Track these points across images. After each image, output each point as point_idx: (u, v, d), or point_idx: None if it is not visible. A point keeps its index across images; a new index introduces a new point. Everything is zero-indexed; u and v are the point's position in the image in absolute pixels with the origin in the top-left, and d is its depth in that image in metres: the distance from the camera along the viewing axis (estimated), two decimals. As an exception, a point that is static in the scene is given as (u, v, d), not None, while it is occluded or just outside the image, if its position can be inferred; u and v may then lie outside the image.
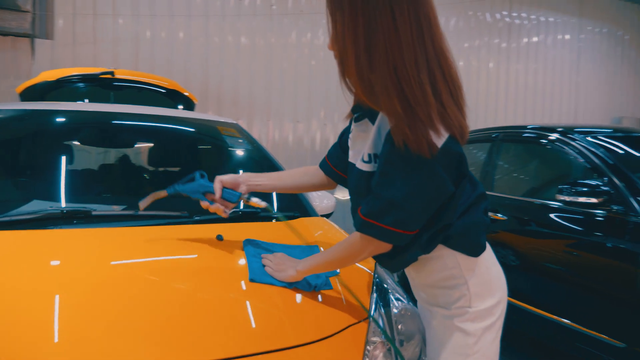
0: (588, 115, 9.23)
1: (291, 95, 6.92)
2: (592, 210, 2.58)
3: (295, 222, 1.70)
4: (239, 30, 6.56)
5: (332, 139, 7.20)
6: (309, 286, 1.24)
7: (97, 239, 1.38)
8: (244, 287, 1.21)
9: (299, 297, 1.22)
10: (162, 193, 1.41)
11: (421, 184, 1.06)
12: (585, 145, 2.89)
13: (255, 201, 1.45)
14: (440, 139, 1.03)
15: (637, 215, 2.41)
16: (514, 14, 8.45)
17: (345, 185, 1.44)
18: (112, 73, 3.51)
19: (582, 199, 2.55)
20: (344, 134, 1.41)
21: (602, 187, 2.54)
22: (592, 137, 2.96)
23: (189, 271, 1.27)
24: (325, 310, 1.20)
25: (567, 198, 2.60)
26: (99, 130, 2.10)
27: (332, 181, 1.48)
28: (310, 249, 1.45)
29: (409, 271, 1.26)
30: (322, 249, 1.47)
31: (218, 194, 1.38)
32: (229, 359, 0.96)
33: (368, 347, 1.13)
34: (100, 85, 3.59)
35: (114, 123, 2.11)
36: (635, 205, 2.44)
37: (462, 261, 1.17)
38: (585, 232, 2.63)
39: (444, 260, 1.18)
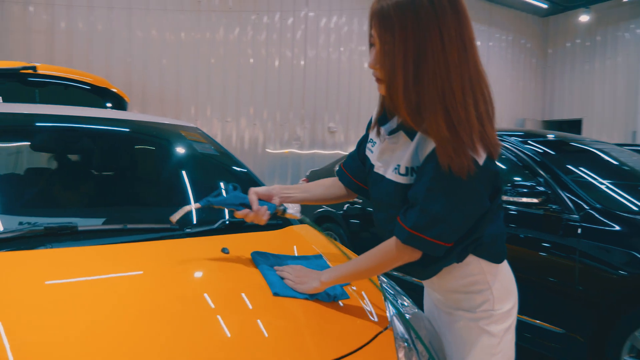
0: (497, 118, 9.92)
1: (219, 93, 6.77)
2: (528, 209, 2.79)
3: (284, 231, 1.68)
4: (164, 25, 6.30)
5: (262, 138, 7.14)
6: (328, 297, 1.24)
7: (96, 258, 1.27)
8: (265, 303, 1.17)
9: (322, 310, 1.20)
10: (195, 205, 1.36)
11: (463, 200, 1.11)
12: (520, 148, 3.11)
13: (291, 213, 1.45)
14: (480, 159, 1.07)
15: (571, 214, 2.65)
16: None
17: (363, 194, 1.47)
18: (34, 68, 3.24)
19: (524, 199, 2.75)
20: (362, 144, 1.43)
21: (539, 188, 2.76)
22: (522, 140, 3.20)
23: (207, 289, 1.22)
24: (349, 321, 1.20)
25: (510, 198, 2.79)
26: (59, 137, 1.92)
27: (352, 192, 1.49)
28: (316, 259, 1.44)
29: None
30: (325, 258, 1.47)
31: (255, 206, 1.36)
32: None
33: (399, 355, 1.15)
34: (20, 82, 3.30)
35: (76, 128, 1.94)
36: (570, 204, 2.67)
37: (486, 267, 1.23)
38: (525, 229, 2.84)
39: (469, 267, 1.23)
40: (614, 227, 2.53)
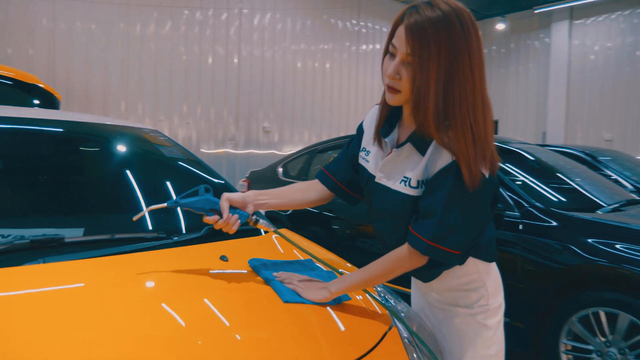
0: (421, 118, 10.40)
1: (151, 90, 6.53)
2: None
3: (269, 236, 1.69)
4: (90, 17, 5.96)
5: (195, 137, 6.97)
6: (333, 300, 1.27)
7: (95, 273, 1.21)
8: (275, 311, 1.18)
9: (329, 314, 1.23)
10: (161, 205, 1.29)
11: (475, 212, 1.21)
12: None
13: (264, 224, 1.41)
14: (486, 172, 1.16)
15: (512, 211, 2.86)
16: (362, 23, 9.11)
17: (349, 200, 1.51)
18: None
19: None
20: (352, 150, 1.46)
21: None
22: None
23: (215, 299, 1.20)
24: (357, 323, 1.24)
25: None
26: (25, 141, 1.77)
27: (331, 196, 1.50)
28: (308, 262, 1.47)
29: None
30: (314, 260, 1.50)
31: (225, 214, 1.32)
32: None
33: (408, 352, 1.21)
34: None
35: (40, 131, 1.81)
36: (511, 202, 2.89)
37: (481, 267, 1.34)
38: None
39: (467, 267, 1.32)
40: (551, 222, 2.77)
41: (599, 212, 2.97)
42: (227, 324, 1.08)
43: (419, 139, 1.23)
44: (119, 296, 1.12)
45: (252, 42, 7.49)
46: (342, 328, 1.20)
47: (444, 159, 1.18)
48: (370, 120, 1.44)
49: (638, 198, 3.65)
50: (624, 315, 2.49)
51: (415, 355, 1.23)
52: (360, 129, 1.48)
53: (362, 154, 1.43)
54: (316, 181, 1.51)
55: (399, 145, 1.29)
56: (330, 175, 1.50)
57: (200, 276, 1.28)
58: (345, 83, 8.88)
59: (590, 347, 2.59)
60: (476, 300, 1.34)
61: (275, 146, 7.92)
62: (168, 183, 1.95)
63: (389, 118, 1.34)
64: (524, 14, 10.01)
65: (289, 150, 8.12)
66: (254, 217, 1.37)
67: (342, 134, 8.83)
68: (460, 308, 1.35)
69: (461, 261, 1.30)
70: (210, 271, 1.32)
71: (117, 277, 1.22)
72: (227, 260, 1.39)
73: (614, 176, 4.98)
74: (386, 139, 1.32)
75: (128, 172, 1.87)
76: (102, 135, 2.03)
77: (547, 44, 9.84)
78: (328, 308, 1.25)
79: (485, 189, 1.16)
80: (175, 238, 1.49)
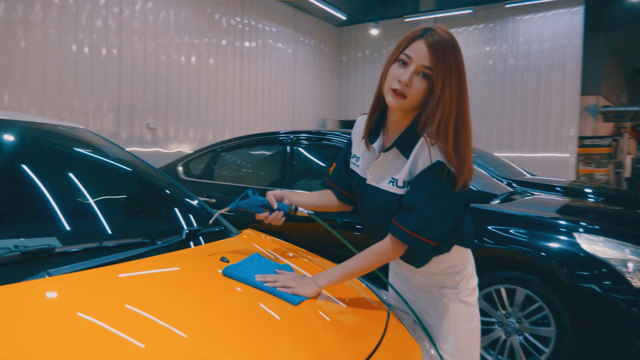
0: (302, 118, 10.69)
1: (37, 83, 5.87)
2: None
3: (238, 237, 1.71)
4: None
5: (73, 135, 6.39)
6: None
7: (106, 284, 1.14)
8: (281, 313, 1.22)
9: (334, 307, 1.31)
10: (226, 209, 1.54)
11: (450, 208, 1.38)
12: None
13: (301, 211, 1.59)
14: (468, 181, 1.36)
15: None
16: (246, 21, 9.09)
17: (349, 202, 1.68)
18: None
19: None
20: (345, 159, 1.65)
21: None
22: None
23: (225, 303, 1.20)
24: (360, 313, 1.32)
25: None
26: None
27: (342, 202, 1.70)
28: (277, 263, 1.53)
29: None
30: (285, 259, 1.58)
31: (275, 205, 1.53)
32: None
33: (413, 334, 1.33)
34: None
35: None
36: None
37: (462, 252, 1.53)
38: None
39: (451, 253, 1.50)
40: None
41: (492, 202, 3.42)
42: (239, 324, 1.09)
43: (404, 143, 1.40)
44: (151, 301, 1.09)
45: (133, 32, 7.08)
46: (350, 320, 1.29)
47: (425, 161, 1.35)
48: (357, 129, 1.59)
49: (516, 190, 4.25)
50: (521, 290, 2.91)
51: (416, 335, 1.37)
52: (350, 140, 1.65)
53: (352, 160, 1.60)
54: (329, 191, 1.71)
55: (385, 150, 1.43)
56: (333, 184, 1.69)
57: (194, 284, 1.27)
58: (230, 80, 8.79)
59: (493, 320, 2.99)
60: (459, 281, 1.52)
61: (160, 144, 7.58)
62: (112, 183, 1.85)
63: (374, 126, 1.49)
64: (396, 21, 10.80)
65: (174, 148, 7.83)
66: (293, 206, 1.58)
67: (236, 134, 8.77)
68: (446, 289, 1.53)
69: (448, 249, 1.48)
70: (209, 276, 1.32)
71: (135, 285, 1.17)
72: (227, 262, 1.40)
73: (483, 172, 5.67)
74: (373, 145, 1.48)
75: (59, 172, 1.73)
76: (31, 135, 1.85)
77: (414, 51, 10.74)
78: (328, 302, 1.33)
79: (461, 192, 1.35)
80: (160, 242, 1.45)
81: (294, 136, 4.05)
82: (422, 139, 1.34)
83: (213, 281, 1.28)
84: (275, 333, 1.11)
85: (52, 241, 1.32)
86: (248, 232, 1.80)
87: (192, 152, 4.91)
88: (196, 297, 1.17)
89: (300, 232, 3.52)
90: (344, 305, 1.36)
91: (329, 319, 1.26)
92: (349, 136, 3.73)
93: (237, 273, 1.31)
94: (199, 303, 1.14)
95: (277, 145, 4.19)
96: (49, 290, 1.07)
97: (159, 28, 7.48)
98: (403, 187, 1.40)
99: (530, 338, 2.92)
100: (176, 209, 1.82)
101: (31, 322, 0.93)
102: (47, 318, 0.95)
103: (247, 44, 9.13)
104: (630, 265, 2.72)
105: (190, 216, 1.82)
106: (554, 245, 2.88)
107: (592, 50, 9.99)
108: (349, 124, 11.72)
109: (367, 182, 1.49)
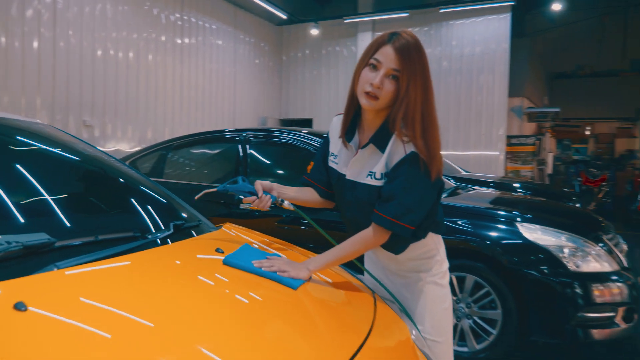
0: (243, 116, 10.63)
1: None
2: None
3: (221, 231, 1.75)
4: None
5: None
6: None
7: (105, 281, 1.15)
8: (283, 295, 1.28)
9: (325, 291, 1.39)
10: (212, 190, 1.64)
11: (425, 197, 1.51)
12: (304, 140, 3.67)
13: (287, 204, 1.68)
14: (439, 171, 1.50)
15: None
16: (185, 17, 8.92)
17: (329, 198, 1.77)
18: None
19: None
20: (324, 158, 1.74)
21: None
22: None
23: (233, 289, 1.25)
24: (350, 297, 1.41)
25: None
26: None
27: (323, 199, 1.78)
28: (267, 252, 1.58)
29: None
30: (269, 248, 1.64)
31: (260, 194, 1.62)
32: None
33: (396, 312, 1.43)
34: None
35: None
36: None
37: (435, 238, 1.66)
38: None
39: (425, 240, 1.61)
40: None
41: (442, 195, 3.62)
42: (241, 310, 1.14)
43: (379, 139, 1.52)
44: (159, 293, 1.12)
45: (68, 24, 6.76)
46: (342, 305, 1.38)
47: (399, 154, 1.48)
48: (333, 129, 1.69)
49: (458, 185, 4.50)
50: (470, 277, 3.12)
51: (400, 315, 1.47)
52: (327, 140, 1.73)
53: (330, 158, 1.69)
54: (311, 188, 1.79)
55: (362, 146, 1.55)
56: (313, 182, 1.78)
57: (198, 272, 1.31)
58: (169, 77, 8.60)
59: (445, 306, 3.18)
60: (432, 265, 1.65)
61: (98, 142, 7.29)
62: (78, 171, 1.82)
63: (349, 125, 1.60)
64: (335, 22, 10.99)
65: (112, 146, 7.56)
66: (279, 199, 1.67)
67: (176, 133, 8.58)
68: (422, 273, 1.65)
69: (424, 236, 1.60)
70: (209, 265, 1.37)
71: (142, 277, 1.19)
72: (223, 252, 1.44)
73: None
74: (351, 143, 1.59)
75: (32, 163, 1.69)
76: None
77: (353, 52, 10.99)
78: (319, 287, 1.41)
79: (434, 180, 1.49)
80: (150, 237, 1.47)
81: (247, 133, 4.08)
82: (394, 135, 1.47)
83: (217, 270, 1.32)
84: (281, 316, 1.18)
85: (41, 236, 1.31)
86: (229, 226, 1.84)
87: (139, 149, 4.79)
88: (204, 284, 1.21)
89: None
90: (335, 289, 1.44)
91: (324, 303, 1.34)
92: (302, 133, 3.86)
93: (236, 261, 1.36)
94: (208, 290, 1.19)
95: (230, 143, 4.20)
96: (65, 281, 1.08)
97: (96, 21, 7.20)
98: (380, 179, 1.52)
99: (479, 321, 3.14)
100: (156, 204, 1.82)
101: (63, 309, 0.95)
102: (73, 306, 0.97)
103: (187, 40, 8.97)
104: (566, 251, 3.00)
105: (174, 211, 1.83)
106: (497, 234, 3.12)
107: (517, 55, 10.67)
108: (289, 123, 11.79)
109: (347, 177, 1.60)
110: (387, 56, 1.42)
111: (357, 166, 1.57)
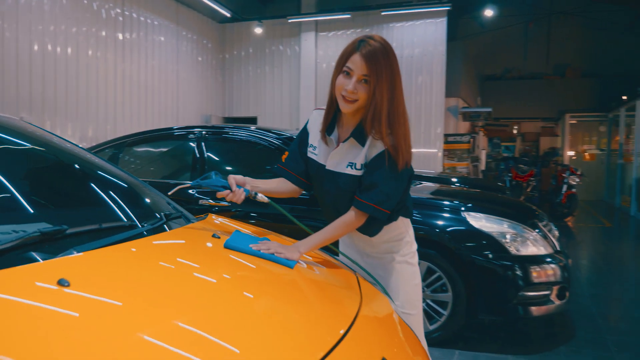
0: (186, 114, 10.50)
1: None
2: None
3: (207, 220, 1.85)
4: None
5: None
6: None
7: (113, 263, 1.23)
8: (282, 274, 1.41)
9: (316, 273, 1.53)
10: (186, 184, 1.73)
11: (400, 186, 1.70)
12: (264, 137, 3.79)
13: (260, 197, 1.73)
14: (409, 161, 1.69)
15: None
16: (127, 13, 8.71)
17: (306, 189, 1.89)
18: None
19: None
20: (301, 149, 1.87)
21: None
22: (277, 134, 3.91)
23: (234, 270, 1.36)
24: (336, 274, 1.56)
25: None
26: None
27: (298, 190, 1.89)
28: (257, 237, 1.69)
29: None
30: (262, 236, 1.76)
31: (234, 187, 1.69)
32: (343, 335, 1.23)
33: (376, 287, 1.59)
34: None
35: None
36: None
37: (405, 222, 1.84)
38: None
39: (397, 223, 1.79)
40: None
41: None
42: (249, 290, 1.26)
43: (359, 134, 1.70)
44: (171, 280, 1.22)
45: (2, 17, 6.46)
46: (332, 283, 1.53)
47: (378, 148, 1.67)
48: (313, 122, 1.84)
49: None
50: (423, 263, 3.36)
51: (380, 288, 1.65)
52: (305, 130, 1.85)
53: (310, 149, 1.84)
54: (283, 178, 1.89)
55: (344, 140, 1.72)
56: (289, 170, 1.88)
57: (200, 257, 1.42)
58: (111, 73, 8.37)
59: (400, 291, 3.41)
60: (403, 246, 1.84)
61: (36, 140, 7.01)
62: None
63: (331, 121, 1.76)
64: (278, 21, 11.09)
65: (52, 144, 7.28)
66: (253, 192, 1.73)
67: (118, 131, 8.36)
68: (394, 254, 1.83)
69: (395, 219, 1.78)
70: (209, 250, 1.47)
71: (149, 263, 1.28)
72: (219, 237, 1.55)
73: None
74: (331, 137, 1.75)
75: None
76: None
77: (297, 51, 11.15)
78: (315, 271, 1.56)
79: (406, 170, 1.68)
80: (148, 225, 1.55)
81: (204, 130, 4.13)
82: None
83: (221, 252, 1.43)
84: (286, 290, 1.33)
85: (42, 225, 1.37)
86: (213, 216, 1.94)
87: (89, 148, 4.70)
88: (214, 264, 1.32)
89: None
90: (324, 268, 1.60)
91: (317, 280, 1.49)
92: (261, 130, 3.97)
93: (236, 245, 1.48)
94: (219, 268, 1.30)
95: (185, 140, 4.23)
96: (89, 262, 1.15)
97: (33, 14, 6.91)
98: (360, 169, 1.70)
99: (432, 304, 3.39)
100: (142, 196, 1.89)
101: (99, 285, 1.04)
102: (106, 282, 1.06)
103: (128, 36, 8.76)
104: (507, 236, 3.30)
105: (159, 202, 1.90)
106: (446, 223, 3.38)
107: (452, 58, 11.23)
108: (233, 121, 11.76)
109: (327, 167, 1.75)
110: (356, 64, 1.60)
111: (337, 158, 1.74)
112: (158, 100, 9.62)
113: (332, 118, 1.76)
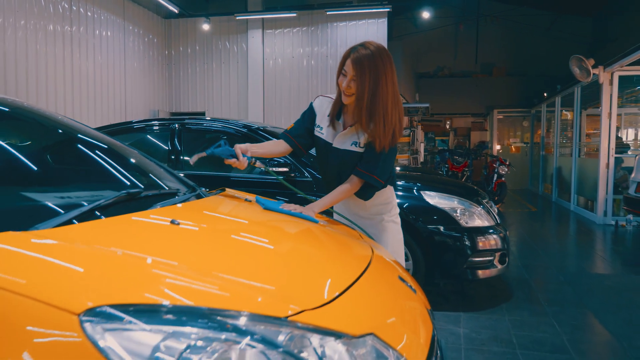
0: (134, 109, 10.49)
1: None
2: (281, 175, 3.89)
3: (229, 193, 2.19)
4: None
5: None
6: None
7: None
8: (307, 230, 1.80)
9: (333, 227, 1.94)
10: (203, 154, 1.98)
11: (392, 159, 2.14)
12: (236, 129, 4.15)
13: (259, 164, 2.12)
14: (394, 140, 2.10)
15: (304, 177, 3.89)
16: (74, 7, 8.63)
17: (299, 155, 2.29)
18: None
19: (280, 169, 3.82)
20: (308, 124, 2.26)
21: (287, 161, 3.89)
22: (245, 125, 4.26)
23: (281, 224, 1.74)
24: (347, 231, 1.98)
25: (271, 168, 3.80)
26: None
27: (289, 150, 2.26)
28: (278, 202, 2.06)
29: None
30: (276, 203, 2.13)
31: (240, 157, 2.03)
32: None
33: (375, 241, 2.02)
34: None
35: None
36: (304, 171, 3.91)
37: (391, 189, 2.29)
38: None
39: (385, 190, 2.23)
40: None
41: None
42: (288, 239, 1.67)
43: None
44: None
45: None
46: (346, 236, 1.94)
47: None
48: (319, 105, 2.24)
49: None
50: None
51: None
52: (312, 111, 2.24)
53: (317, 129, 2.24)
54: (281, 140, 2.27)
55: (351, 125, 2.13)
56: (292, 138, 2.24)
57: (255, 213, 1.80)
58: (60, 68, 8.27)
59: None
60: (390, 209, 2.29)
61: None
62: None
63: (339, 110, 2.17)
64: (226, 18, 11.29)
65: (1, 139, 7.15)
66: (253, 159, 2.10)
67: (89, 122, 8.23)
68: (383, 215, 2.28)
69: (385, 186, 2.22)
70: (248, 208, 1.84)
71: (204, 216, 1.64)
72: (251, 202, 1.92)
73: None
74: (339, 121, 2.16)
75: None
76: None
77: (244, 48, 11.40)
78: (332, 228, 1.97)
79: (392, 150, 2.12)
80: (190, 193, 1.89)
81: (178, 123, 4.40)
82: None
83: (262, 212, 1.81)
84: (318, 238, 1.74)
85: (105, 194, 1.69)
86: (228, 190, 2.29)
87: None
88: (264, 220, 1.70)
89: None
90: (336, 225, 2.01)
91: (335, 233, 1.90)
92: (231, 122, 4.29)
93: (271, 206, 1.87)
94: (269, 223, 1.69)
95: (161, 132, 4.47)
96: (173, 212, 1.50)
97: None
98: (363, 147, 2.13)
99: (395, 272, 3.87)
100: (169, 172, 2.21)
101: (195, 223, 1.39)
102: (198, 221, 1.42)
103: (75, 30, 8.68)
104: (458, 211, 3.85)
105: (179, 178, 2.22)
106: (405, 201, 3.88)
107: (392, 56, 11.90)
108: (180, 116, 11.80)
109: (333, 145, 2.16)
110: (348, 67, 2.04)
111: (344, 138, 2.16)
112: (107, 95, 9.58)
113: (339, 107, 2.17)
